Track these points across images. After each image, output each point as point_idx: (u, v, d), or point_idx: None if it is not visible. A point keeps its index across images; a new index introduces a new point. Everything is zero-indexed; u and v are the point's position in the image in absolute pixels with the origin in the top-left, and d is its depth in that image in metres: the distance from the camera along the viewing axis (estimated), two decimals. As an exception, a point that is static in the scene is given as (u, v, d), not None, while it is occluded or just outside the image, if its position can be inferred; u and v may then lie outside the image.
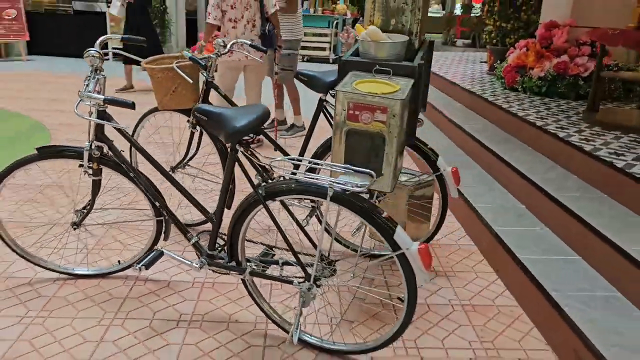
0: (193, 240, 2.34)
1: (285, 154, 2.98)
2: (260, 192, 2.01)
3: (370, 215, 1.88)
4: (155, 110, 3.08)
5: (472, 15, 12.11)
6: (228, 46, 3.03)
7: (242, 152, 2.11)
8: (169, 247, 2.92)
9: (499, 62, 6.43)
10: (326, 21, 11.62)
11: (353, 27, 10.53)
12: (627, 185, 3.01)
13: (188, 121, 3.07)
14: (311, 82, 2.80)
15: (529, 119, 4.31)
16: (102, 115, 2.26)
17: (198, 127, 3.08)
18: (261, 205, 2.03)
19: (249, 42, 3.11)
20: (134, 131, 3.25)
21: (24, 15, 10.07)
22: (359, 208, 1.88)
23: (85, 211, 2.56)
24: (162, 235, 2.59)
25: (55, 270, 2.73)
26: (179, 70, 2.67)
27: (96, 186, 2.46)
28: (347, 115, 2.15)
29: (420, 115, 2.91)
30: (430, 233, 3.01)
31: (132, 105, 2.03)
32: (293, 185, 1.94)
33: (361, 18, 10.64)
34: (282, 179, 2.01)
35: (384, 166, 2.20)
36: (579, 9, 5.56)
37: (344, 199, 1.87)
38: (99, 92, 2.20)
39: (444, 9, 23.15)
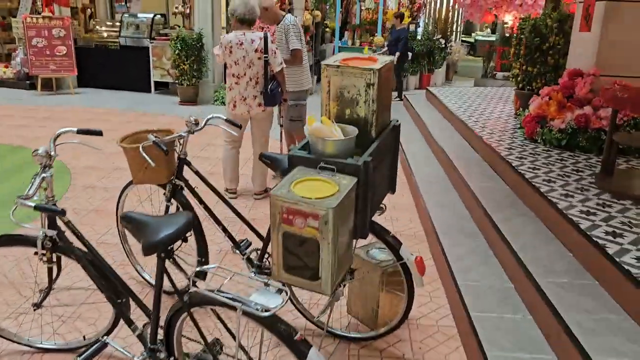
0: (137, 333, 2.36)
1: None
2: (185, 299, 2.00)
3: (282, 335, 1.82)
4: (131, 183, 3.15)
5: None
6: (202, 123, 3.07)
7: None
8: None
9: (521, 109, 6.19)
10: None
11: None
12: (615, 275, 2.79)
13: (164, 194, 3.12)
14: (273, 164, 2.77)
15: (534, 182, 4.09)
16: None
17: (173, 201, 3.12)
18: (186, 313, 2.02)
19: (224, 118, 3.14)
20: (117, 205, 3.33)
21: (74, 51, 10.68)
22: (271, 327, 1.83)
23: (46, 292, 2.63)
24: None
25: (23, 343, 2.81)
26: (143, 154, 2.69)
27: (51, 272, 2.52)
28: (282, 218, 2.11)
29: (386, 199, 2.84)
30: (396, 322, 2.89)
31: (62, 213, 2.08)
32: (209, 299, 1.92)
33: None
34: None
35: (321, 271, 2.14)
36: (605, 57, 5.25)
37: (255, 316, 1.83)
38: (45, 190, 2.26)
39: (493, 33, 22.62)
